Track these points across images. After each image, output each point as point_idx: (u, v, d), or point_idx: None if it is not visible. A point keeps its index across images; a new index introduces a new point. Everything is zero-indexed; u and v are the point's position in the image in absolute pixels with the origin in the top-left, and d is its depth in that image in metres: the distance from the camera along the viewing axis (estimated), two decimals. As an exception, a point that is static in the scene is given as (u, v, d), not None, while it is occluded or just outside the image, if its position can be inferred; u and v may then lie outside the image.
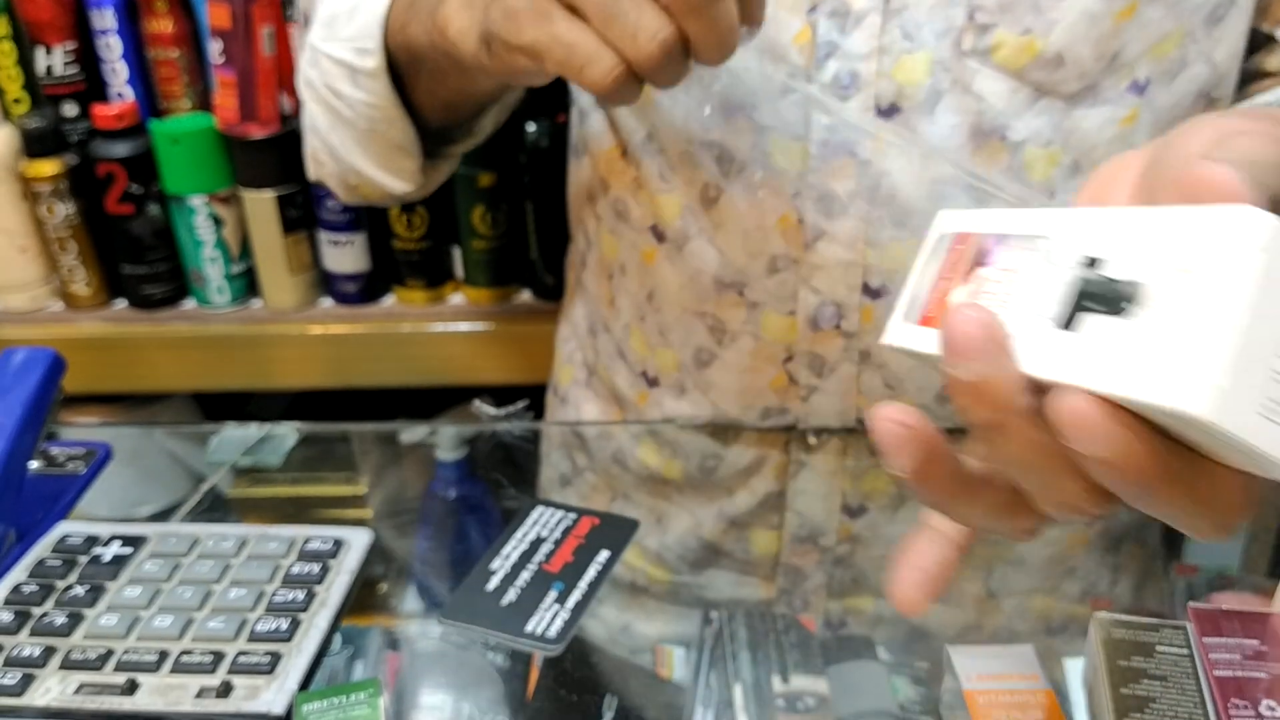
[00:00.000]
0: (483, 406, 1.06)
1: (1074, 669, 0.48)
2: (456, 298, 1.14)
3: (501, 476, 0.77)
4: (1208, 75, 0.59)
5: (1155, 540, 0.70)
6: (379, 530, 0.71)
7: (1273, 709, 0.40)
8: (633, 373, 0.70)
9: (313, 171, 0.72)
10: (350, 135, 0.66)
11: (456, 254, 1.12)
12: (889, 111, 0.56)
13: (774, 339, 0.63)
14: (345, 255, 1.10)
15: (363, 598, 0.59)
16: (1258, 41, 0.61)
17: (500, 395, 1.22)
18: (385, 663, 0.58)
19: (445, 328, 1.11)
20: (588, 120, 0.69)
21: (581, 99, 0.71)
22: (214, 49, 1.01)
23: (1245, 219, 0.27)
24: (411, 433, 0.83)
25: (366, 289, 1.12)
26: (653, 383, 0.69)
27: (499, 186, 1.04)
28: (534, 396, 1.09)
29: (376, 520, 0.75)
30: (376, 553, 0.62)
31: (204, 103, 1.08)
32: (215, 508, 0.68)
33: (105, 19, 1.05)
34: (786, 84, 0.57)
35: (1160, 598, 0.66)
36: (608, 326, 0.72)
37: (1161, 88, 0.57)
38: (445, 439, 0.80)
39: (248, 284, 1.12)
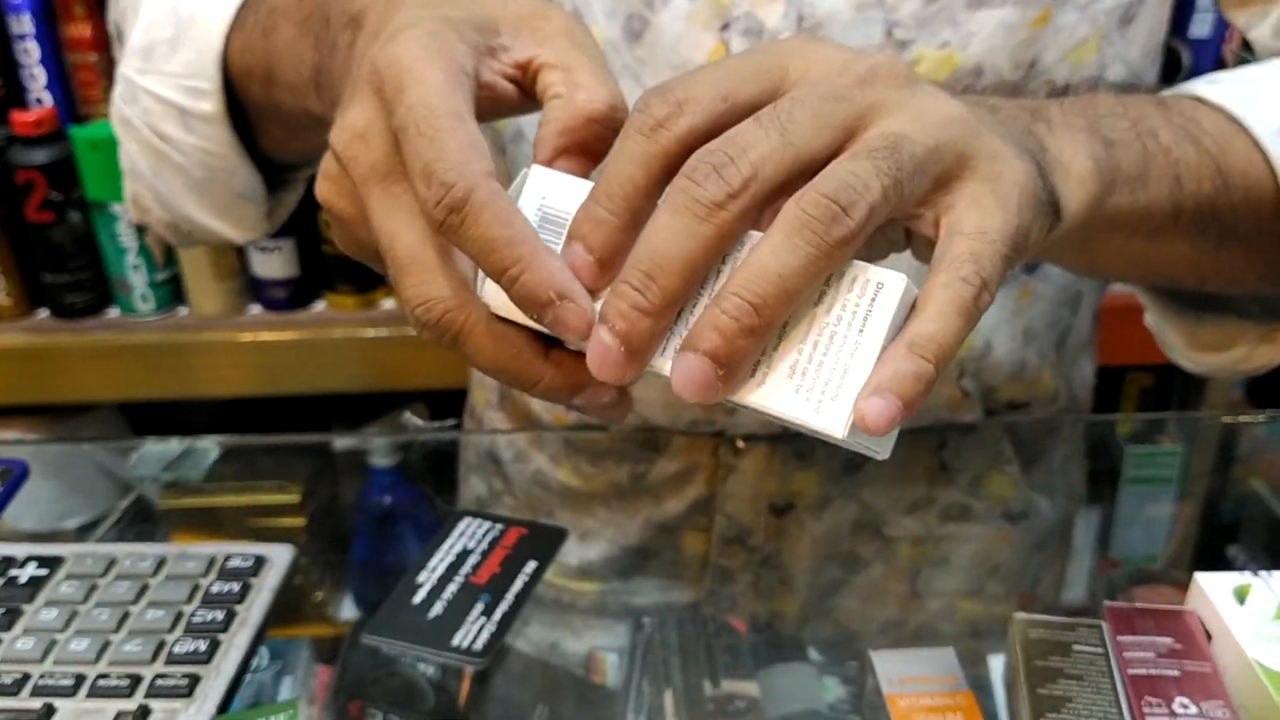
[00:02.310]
0: (412, 418, 1.05)
1: (998, 666, 0.49)
2: (388, 303, 1.13)
3: (435, 483, 0.77)
4: (1125, 75, 0.60)
5: (1078, 536, 0.71)
6: (311, 539, 0.70)
7: (1185, 706, 0.41)
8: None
9: (135, 216, 0.64)
10: (181, 181, 0.59)
11: (388, 258, 1.11)
12: None
13: None
14: (274, 261, 1.09)
15: (295, 608, 0.58)
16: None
17: (434, 400, 1.21)
18: (315, 676, 0.58)
19: (377, 333, 1.10)
20: (521, 143, 0.68)
21: (509, 123, 0.69)
22: (134, 53, 1.00)
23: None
24: (343, 440, 0.82)
25: (296, 295, 1.11)
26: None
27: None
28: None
29: (309, 529, 0.74)
30: (311, 561, 0.61)
31: (125, 107, 1.06)
32: (143, 521, 0.67)
33: (22, 23, 1.03)
34: None
35: (1084, 593, 0.68)
36: None
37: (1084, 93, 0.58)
38: (379, 445, 0.79)
39: (173, 291, 1.10)
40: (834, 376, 0.34)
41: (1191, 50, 1.10)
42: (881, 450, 0.35)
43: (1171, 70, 1.10)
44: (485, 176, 0.35)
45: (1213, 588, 0.45)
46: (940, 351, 0.33)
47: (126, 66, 0.58)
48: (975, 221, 0.34)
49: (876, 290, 0.33)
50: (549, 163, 0.38)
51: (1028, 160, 0.37)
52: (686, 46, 0.56)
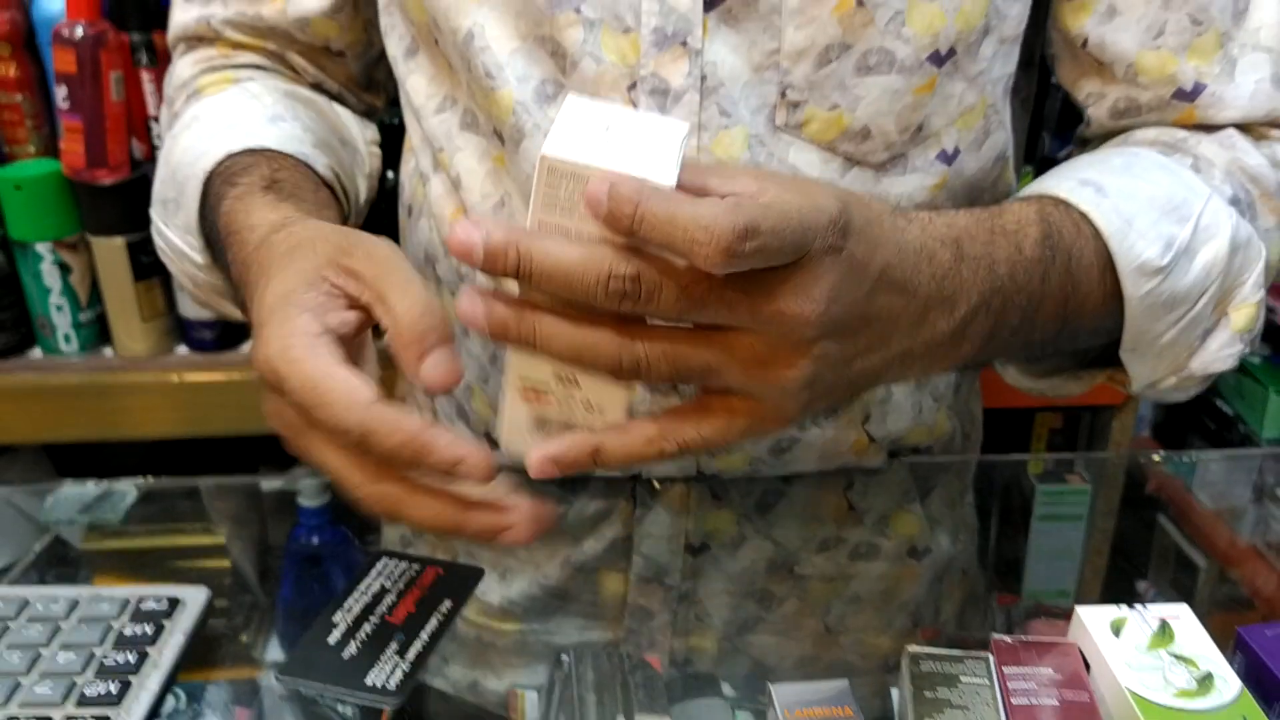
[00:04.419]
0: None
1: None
2: (317, 343, 1.13)
3: (364, 524, 0.77)
4: (1005, 140, 0.63)
5: (983, 572, 0.74)
6: (236, 581, 0.70)
7: (1063, 733, 0.43)
8: (474, 434, 0.71)
9: (195, 302, 0.76)
10: (214, 294, 0.69)
11: (316, 299, 1.12)
12: None
13: None
14: (201, 302, 1.09)
15: (216, 650, 0.58)
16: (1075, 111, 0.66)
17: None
18: (233, 718, 0.58)
19: (305, 374, 1.10)
20: (429, 184, 0.70)
21: (422, 160, 0.71)
22: (60, 94, 1.00)
23: None
24: (271, 480, 0.82)
25: (224, 336, 1.11)
26: (494, 444, 0.70)
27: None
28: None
29: (234, 570, 0.74)
30: (234, 603, 0.61)
31: (51, 148, 1.06)
32: (63, 563, 0.67)
33: (-55, 63, 1.03)
34: None
35: (985, 627, 0.70)
36: None
37: (970, 155, 0.62)
38: (307, 486, 0.80)
39: (98, 331, 1.10)
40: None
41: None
42: None
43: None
44: (367, 405, 0.43)
45: (1091, 621, 0.47)
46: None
47: (154, 210, 0.69)
48: (711, 430, 0.46)
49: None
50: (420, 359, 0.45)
51: (825, 401, 0.47)
52: None
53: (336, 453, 0.46)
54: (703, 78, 0.57)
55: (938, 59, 0.58)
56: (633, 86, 0.58)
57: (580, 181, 0.41)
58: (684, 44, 0.57)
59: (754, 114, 0.58)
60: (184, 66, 0.75)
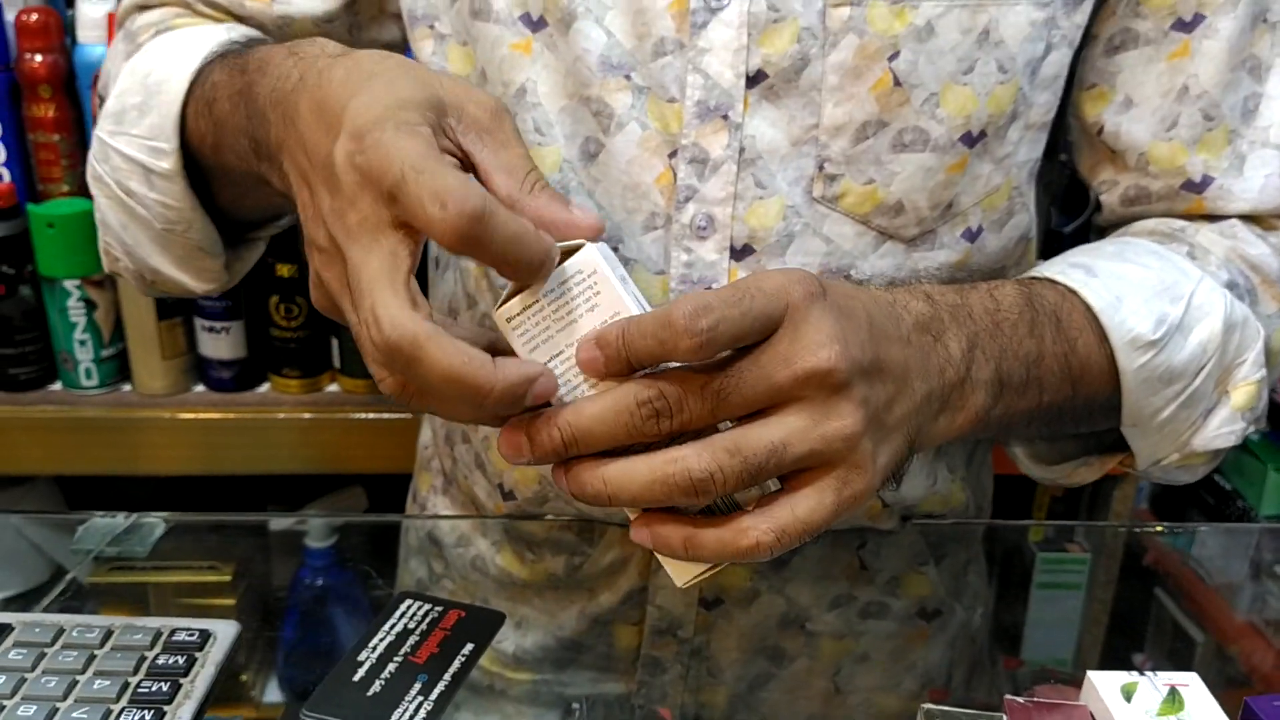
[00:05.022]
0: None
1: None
2: (332, 387, 1.15)
3: (370, 566, 0.78)
4: (1027, 222, 0.66)
5: (990, 636, 0.75)
6: (246, 619, 0.71)
7: (1074, 793, 0.44)
8: (490, 484, 0.72)
9: (107, 265, 0.69)
10: (146, 234, 0.64)
11: (335, 343, 1.13)
12: (742, 253, 0.61)
13: None
14: (221, 342, 1.10)
15: (229, 688, 0.59)
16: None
17: (372, 485, 1.22)
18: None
19: (318, 416, 1.11)
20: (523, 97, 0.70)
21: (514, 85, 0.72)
22: (97, 135, 1.02)
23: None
24: (280, 521, 0.83)
25: (241, 376, 1.12)
26: (508, 496, 0.71)
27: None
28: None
29: (239, 609, 0.75)
30: (244, 643, 0.62)
31: (83, 187, 1.08)
32: (81, 596, 0.68)
33: (-14, 102, 1.05)
34: (648, 222, 0.61)
35: (993, 690, 0.71)
36: (467, 437, 0.74)
37: (991, 234, 0.64)
38: (315, 527, 0.81)
39: (119, 368, 1.11)
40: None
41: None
42: None
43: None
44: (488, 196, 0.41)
45: (1103, 685, 0.49)
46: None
47: (100, 129, 0.64)
48: (806, 508, 0.44)
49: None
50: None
51: (890, 455, 0.47)
52: (637, 169, 0.60)
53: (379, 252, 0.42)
54: (741, 149, 0.59)
55: (969, 140, 0.60)
56: (673, 154, 0.60)
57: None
58: (725, 117, 0.59)
59: (791, 185, 0.60)
60: (150, 14, 0.70)
